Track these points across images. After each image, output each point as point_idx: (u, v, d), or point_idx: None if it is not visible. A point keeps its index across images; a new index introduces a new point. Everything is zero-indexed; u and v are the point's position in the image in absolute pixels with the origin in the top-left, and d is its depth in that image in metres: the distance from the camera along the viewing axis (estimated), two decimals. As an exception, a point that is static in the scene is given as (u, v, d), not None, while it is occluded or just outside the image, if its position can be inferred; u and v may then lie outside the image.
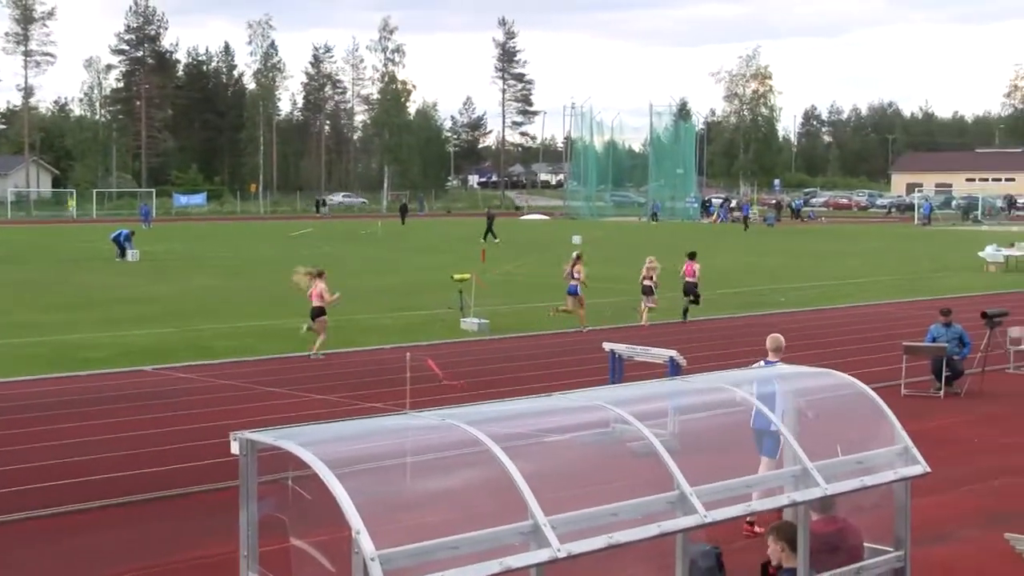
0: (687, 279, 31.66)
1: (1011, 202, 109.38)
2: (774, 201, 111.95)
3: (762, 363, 13.80)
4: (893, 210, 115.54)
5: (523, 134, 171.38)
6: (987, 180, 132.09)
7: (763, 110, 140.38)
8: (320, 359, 24.46)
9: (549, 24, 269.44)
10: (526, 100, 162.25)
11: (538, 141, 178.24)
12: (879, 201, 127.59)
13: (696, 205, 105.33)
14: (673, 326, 30.25)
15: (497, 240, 65.44)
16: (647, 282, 30.64)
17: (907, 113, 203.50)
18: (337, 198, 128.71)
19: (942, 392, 21.07)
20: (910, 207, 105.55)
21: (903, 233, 79.40)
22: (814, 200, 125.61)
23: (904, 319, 31.37)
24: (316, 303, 25.01)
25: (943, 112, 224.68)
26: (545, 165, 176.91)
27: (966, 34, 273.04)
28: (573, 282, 29.56)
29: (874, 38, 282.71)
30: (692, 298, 31.57)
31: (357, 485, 6.51)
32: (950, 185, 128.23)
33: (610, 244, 64.51)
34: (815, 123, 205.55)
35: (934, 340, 21.54)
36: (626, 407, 8.28)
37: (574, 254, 30.84)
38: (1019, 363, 23.59)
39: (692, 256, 32.10)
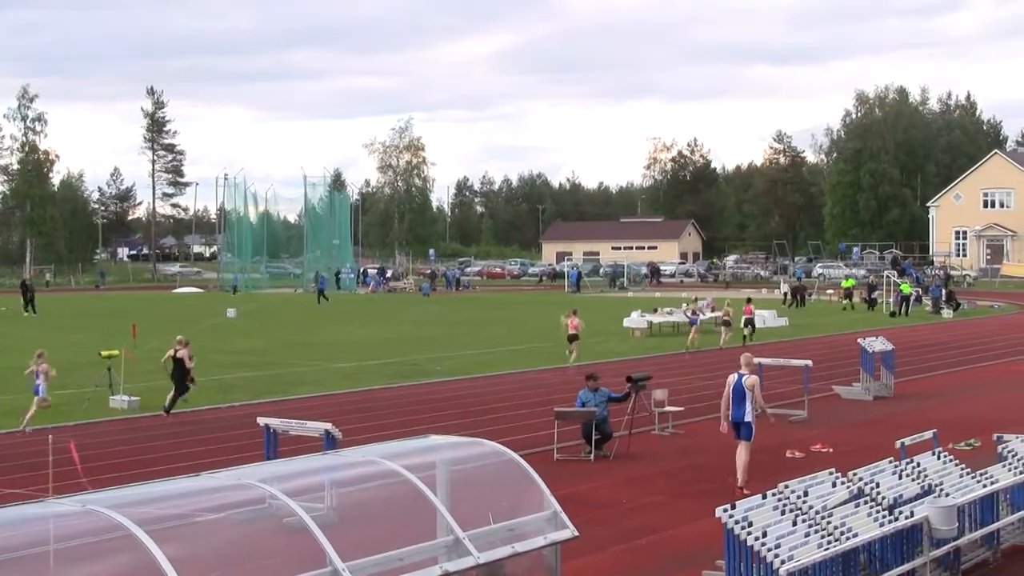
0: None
1: (654, 269, 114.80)
2: (429, 271, 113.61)
3: (735, 376, 19.02)
4: (544, 278, 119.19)
5: (175, 205, 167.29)
6: (631, 248, 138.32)
7: (417, 181, 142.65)
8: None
9: (200, 94, 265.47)
10: (177, 171, 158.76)
11: (191, 212, 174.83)
12: (531, 269, 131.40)
13: (353, 275, 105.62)
14: (329, 398, 30.16)
15: (35, 314, 64.06)
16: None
17: (555, 184, 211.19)
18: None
19: (592, 456, 21.82)
20: (560, 275, 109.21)
21: (554, 300, 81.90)
22: (468, 269, 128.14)
23: (557, 385, 32.34)
24: None
25: (589, 183, 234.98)
26: (198, 237, 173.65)
27: (606, 109, 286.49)
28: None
29: (519, 112, 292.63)
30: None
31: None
32: (597, 253, 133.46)
33: (266, 316, 63.84)
34: (468, 193, 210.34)
35: (583, 405, 22.34)
36: (279, 483, 8.22)
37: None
38: (663, 424, 24.72)
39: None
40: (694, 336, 44.29)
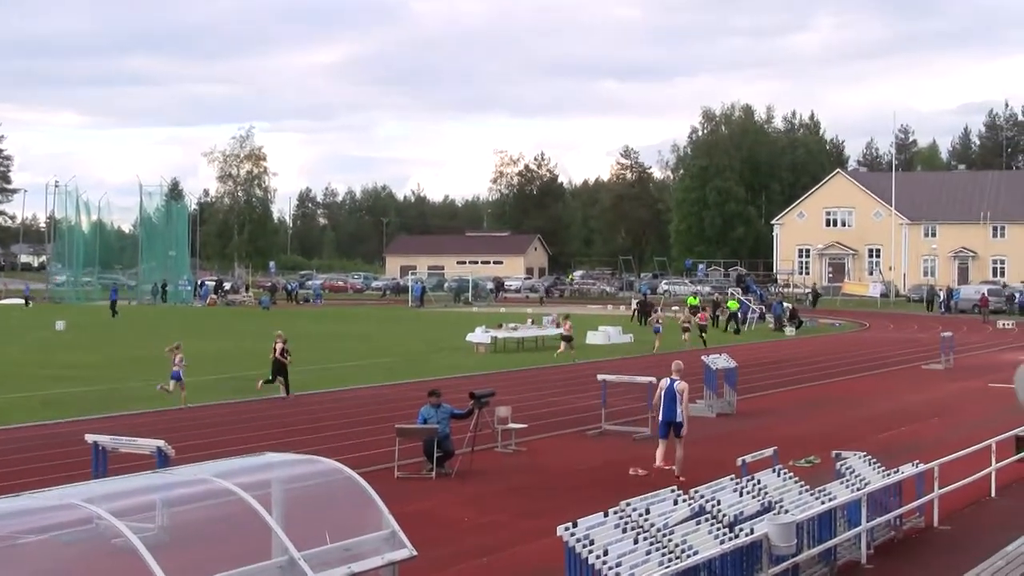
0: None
1: (499, 284, 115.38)
2: (269, 284, 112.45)
3: (667, 380, 21.95)
4: (388, 292, 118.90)
5: (1, 213, 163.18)
6: (477, 263, 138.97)
7: (257, 191, 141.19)
8: None
9: (30, 98, 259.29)
10: (4, 177, 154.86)
11: (18, 221, 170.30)
12: (374, 283, 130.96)
13: (189, 288, 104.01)
14: (162, 414, 29.62)
15: None
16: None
17: (400, 196, 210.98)
18: None
19: (434, 473, 21.81)
20: (404, 289, 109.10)
21: (398, 315, 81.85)
22: (310, 283, 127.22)
23: (399, 401, 32.26)
24: None
25: (435, 196, 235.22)
26: (26, 246, 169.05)
27: (453, 122, 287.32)
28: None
29: (365, 123, 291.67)
30: None
31: None
32: (442, 267, 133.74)
33: (97, 329, 62.44)
34: (310, 205, 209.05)
35: (425, 421, 22.33)
36: (106, 503, 8.06)
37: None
38: (506, 442, 24.83)
39: None
40: (658, 344, 50.70)
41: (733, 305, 67.00)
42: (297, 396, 33.43)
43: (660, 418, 22.05)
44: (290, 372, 33.66)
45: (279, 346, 32.88)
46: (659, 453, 21.85)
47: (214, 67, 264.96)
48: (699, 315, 57.92)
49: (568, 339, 46.83)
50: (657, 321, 54.55)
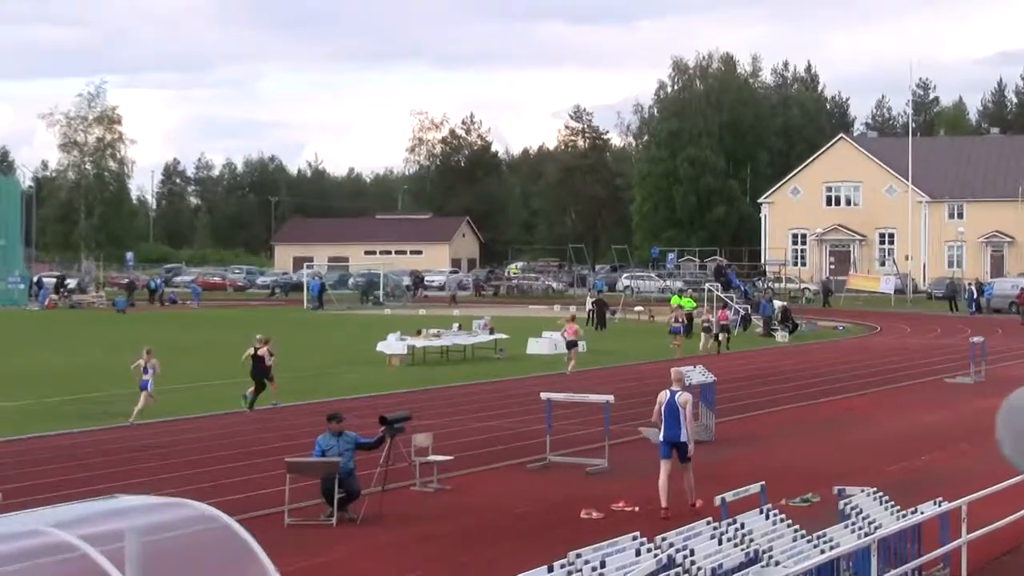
0: None
1: (418, 280, 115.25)
2: (126, 280, 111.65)
3: (667, 393, 22.67)
4: (278, 290, 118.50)
5: None
6: (390, 252, 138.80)
7: (111, 163, 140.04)
8: None
9: None
10: None
11: None
12: (260, 279, 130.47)
13: (23, 286, 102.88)
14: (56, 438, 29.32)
15: None
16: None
17: (293, 170, 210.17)
18: None
19: (335, 519, 21.71)
20: (299, 286, 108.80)
21: (292, 318, 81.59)
22: (178, 279, 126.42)
23: (293, 427, 32.15)
24: None
25: (337, 169, 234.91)
26: None
27: (359, 75, 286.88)
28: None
29: (247, 77, 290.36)
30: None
31: None
32: (347, 259, 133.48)
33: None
34: (179, 181, 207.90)
35: (323, 453, 22.23)
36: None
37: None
38: (426, 478, 24.78)
39: None
40: (678, 343, 54.46)
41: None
42: (166, 423, 33.23)
43: (660, 438, 22.84)
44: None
45: (262, 350, 35.68)
46: (661, 482, 22.30)
47: (52, 5, 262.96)
48: (719, 313, 61.31)
49: (572, 344, 47.46)
50: (676, 320, 57.03)
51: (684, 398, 22.84)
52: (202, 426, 33.45)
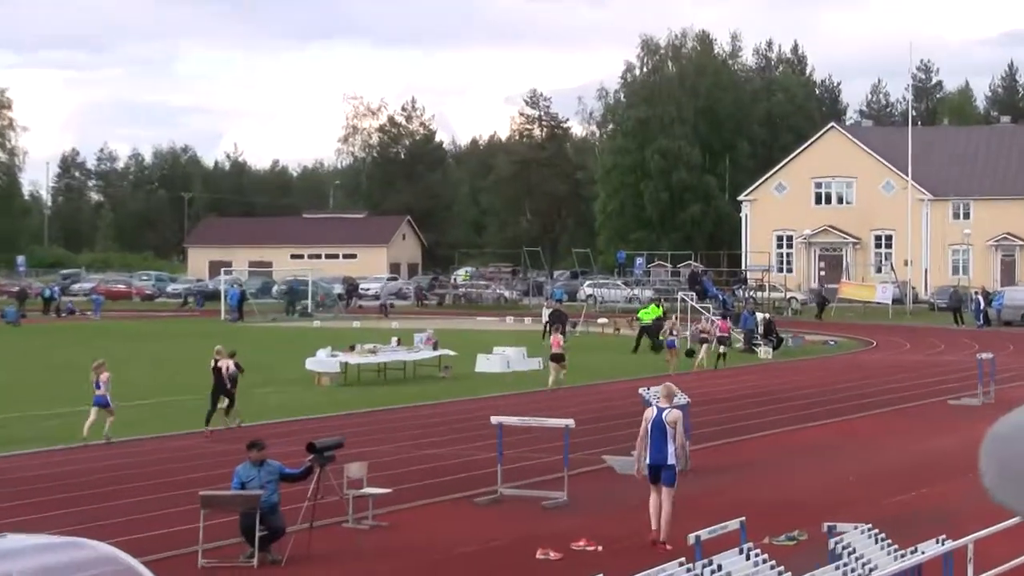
0: None
1: (352, 288, 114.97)
2: (17, 288, 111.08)
3: (653, 410, 23.00)
4: (191, 299, 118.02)
5: None
6: (320, 257, 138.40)
7: (0, 154, 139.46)
8: None
9: None
10: None
11: None
12: (171, 287, 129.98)
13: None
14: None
15: None
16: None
17: (209, 162, 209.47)
18: None
19: (255, 560, 21.62)
20: (216, 295, 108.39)
21: (208, 331, 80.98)
22: (77, 286, 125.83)
23: (207, 457, 32.02)
24: None
25: (259, 162, 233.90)
26: None
27: (285, 55, 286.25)
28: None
29: (157, 57, 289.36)
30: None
31: None
32: (270, 264, 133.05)
33: None
34: (79, 174, 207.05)
35: (243, 485, 22.13)
36: None
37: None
38: (361, 513, 24.68)
39: None
40: (672, 359, 55.46)
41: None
42: (66, 450, 33.08)
43: (646, 460, 22.86)
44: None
45: (225, 363, 36.29)
46: (652, 506, 22.69)
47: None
48: (720, 324, 62.56)
49: (558, 358, 47.91)
50: (671, 332, 57.49)
51: (673, 416, 22.89)
52: (102, 453, 33.23)
